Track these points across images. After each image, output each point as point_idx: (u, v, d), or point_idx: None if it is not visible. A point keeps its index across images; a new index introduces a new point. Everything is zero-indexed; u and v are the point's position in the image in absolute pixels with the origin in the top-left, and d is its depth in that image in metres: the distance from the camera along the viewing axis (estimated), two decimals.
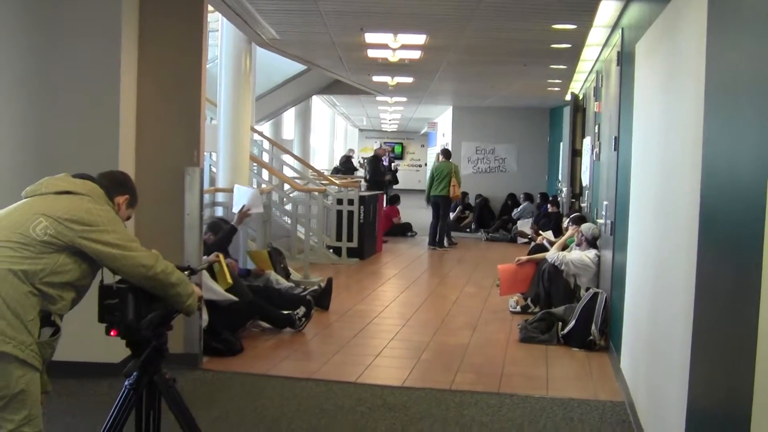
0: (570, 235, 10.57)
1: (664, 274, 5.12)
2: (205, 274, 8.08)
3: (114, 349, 6.56)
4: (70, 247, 3.94)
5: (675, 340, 4.46)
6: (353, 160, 25.71)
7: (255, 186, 13.06)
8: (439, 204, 17.98)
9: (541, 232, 14.96)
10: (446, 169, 17.98)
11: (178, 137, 7.37)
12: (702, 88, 3.93)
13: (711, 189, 3.72)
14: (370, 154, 34.15)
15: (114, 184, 4.36)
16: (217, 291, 8.20)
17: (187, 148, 7.34)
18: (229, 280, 8.44)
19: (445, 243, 18.00)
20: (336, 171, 23.78)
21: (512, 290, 10.79)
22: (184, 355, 7.26)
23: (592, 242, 9.99)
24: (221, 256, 8.58)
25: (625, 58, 7.96)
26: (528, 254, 11.33)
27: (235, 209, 10.12)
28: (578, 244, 10.21)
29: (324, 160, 33.06)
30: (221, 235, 9.30)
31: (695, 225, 3.96)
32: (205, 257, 8.15)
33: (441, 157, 18.73)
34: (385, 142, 43.31)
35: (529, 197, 21.72)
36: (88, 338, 5.63)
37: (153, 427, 4.50)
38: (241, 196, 10.33)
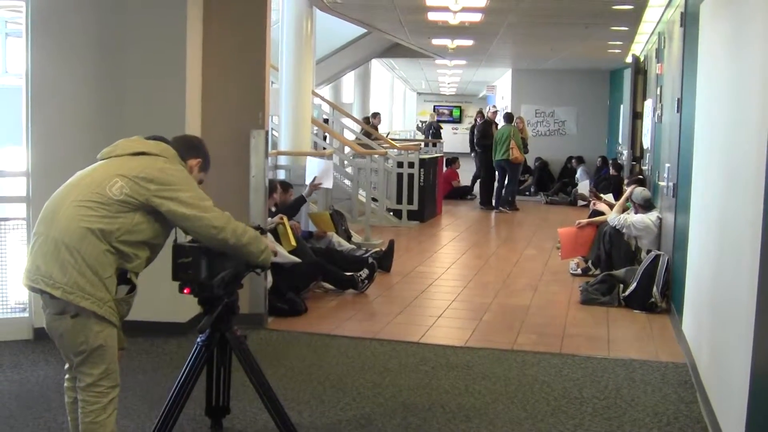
0: (627, 197, 10.51)
1: (729, 235, 5.11)
2: (270, 237, 8.20)
3: (181, 310, 6.79)
4: (145, 206, 4.05)
5: (739, 301, 4.47)
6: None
7: (316, 149, 13.15)
8: (504, 168, 18.00)
9: (601, 195, 14.90)
10: (506, 132, 17.92)
11: (243, 100, 7.46)
12: None
13: None
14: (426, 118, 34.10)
15: (187, 148, 4.45)
16: (280, 253, 8.31)
17: (253, 110, 7.43)
18: (293, 242, 8.57)
19: (506, 207, 18.00)
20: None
21: (573, 254, 10.78)
22: (250, 315, 7.37)
23: (645, 206, 9.95)
24: (285, 219, 8.70)
25: (689, 19, 7.88)
26: (588, 217, 11.30)
27: (307, 181, 10.25)
28: (635, 212, 10.16)
29: (383, 123, 33.06)
30: (290, 203, 9.43)
31: (761, 185, 3.95)
32: (269, 219, 8.26)
33: (503, 121, 18.68)
34: (438, 106, 43.27)
35: (581, 161, 21.60)
36: (156, 298, 5.78)
37: (223, 383, 4.63)
38: (313, 169, 10.44)
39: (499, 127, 18.52)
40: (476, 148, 18.87)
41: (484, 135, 18.35)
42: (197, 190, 4.20)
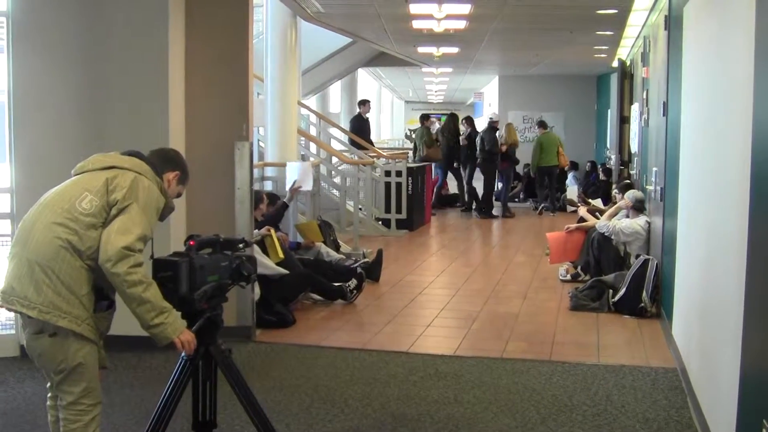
0: (619, 206, 10.49)
1: (716, 238, 5.09)
2: (257, 249, 8.16)
3: None
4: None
5: (727, 305, 4.45)
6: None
7: (303, 160, 13.11)
8: (552, 173, 19.00)
9: (590, 200, 14.89)
10: (555, 139, 19.13)
11: (227, 112, 7.42)
12: (752, 49, 3.90)
13: (762, 151, 3.70)
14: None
15: (164, 161, 4.38)
16: (268, 265, 8.28)
17: (237, 122, 7.39)
18: (281, 254, 8.52)
19: (544, 208, 19.04)
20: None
21: (562, 258, 10.76)
22: (238, 328, 7.34)
23: (638, 207, 9.93)
24: (272, 231, 8.66)
25: (673, 22, 7.88)
26: (576, 223, 11.28)
27: (288, 186, 10.21)
28: (627, 215, 10.13)
29: (371, 132, 33.03)
30: (273, 210, 9.39)
31: (747, 187, 3.93)
32: (255, 231, 8.23)
33: (540, 129, 19.35)
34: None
35: (574, 166, 21.65)
36: None
37: (209, 397, 4.58)
38: (293, 173, 10.39)
39: (542, 133, 19.12)
40: (482, 156, 18.43)
41: (494, 143, 18.18)
42: (144, 221, 4.02)
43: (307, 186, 10.52)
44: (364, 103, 18.90)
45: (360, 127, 17.99)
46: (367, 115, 18.54)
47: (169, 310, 4.02)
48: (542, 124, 19.44)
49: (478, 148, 18.21)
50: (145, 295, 3.91)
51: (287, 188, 10.26)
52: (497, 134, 18.31)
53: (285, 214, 9.94)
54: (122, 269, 3.86)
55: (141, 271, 3.92)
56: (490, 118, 19.25)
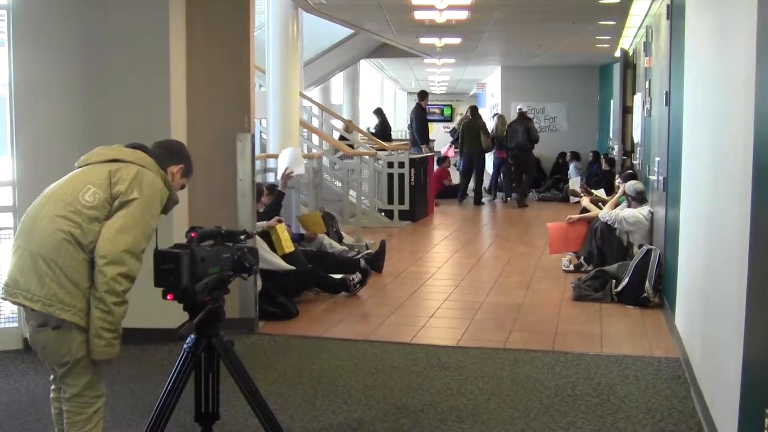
0: (621, 193, 10.50)
1: (718, 228, 5.08)
2: (262, 243, 8.15)
3: (172, 315, 6.67)
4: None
5: (730, 294, 4.44)
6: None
7: (300, 149, 13.09)
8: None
9: (592, 190, 14.87)
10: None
11: (228, 104, 7.42)
12: (754, 38, 3.88)
13: (764, 141, 3.68)
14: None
15: (168, 153, 4.37)
16: (272, 261, 8.26)
17: (238, 114, 7.39)
18: (288, 248, 8.50)
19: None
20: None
21: (563, 249, 10.76)
22: (241, 320, 7.35)
23: (639, 198, 9.92)
24: (282, 224, 8.64)
25: (675, 11, 7.86)
26: (579, 213, 11.26)
27: (279, 174, 10.12)
28: (628, 206, 10.13)
29: (373, 124, 33.00)
30: (270, 203, 9.34)
31: (749, 177, 3.92)
32: (263, 222, 8.21)
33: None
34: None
35: (576, 156, 21.63)
36: (146, 305, 5.69)
37: (212, 389, 4.58)
38: (283, 161, 10.29)
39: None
40: (525, 146, 18.88)
41: (531, 133, 18.94)
42: (147, 216, 4.02)
43: (299, 170, 10.34)
44: (425, 95, 19.73)
45: (419, 118, 19.07)
46: (426, 105, 19.70)
47: (120, 337, 3.99)
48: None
49: (524, 139, 18.50)
50: (115, 308, 3.89)
51: (278, 176, 10.14)
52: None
53: (286, 205, 9.90)
54: (111, 272, 3.85)
55: (126, 284, 3.90)
56: (520, 109, 19.47)
